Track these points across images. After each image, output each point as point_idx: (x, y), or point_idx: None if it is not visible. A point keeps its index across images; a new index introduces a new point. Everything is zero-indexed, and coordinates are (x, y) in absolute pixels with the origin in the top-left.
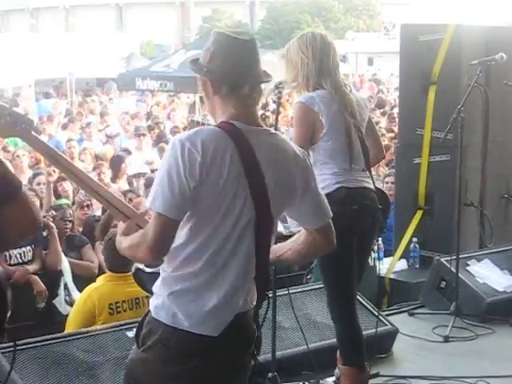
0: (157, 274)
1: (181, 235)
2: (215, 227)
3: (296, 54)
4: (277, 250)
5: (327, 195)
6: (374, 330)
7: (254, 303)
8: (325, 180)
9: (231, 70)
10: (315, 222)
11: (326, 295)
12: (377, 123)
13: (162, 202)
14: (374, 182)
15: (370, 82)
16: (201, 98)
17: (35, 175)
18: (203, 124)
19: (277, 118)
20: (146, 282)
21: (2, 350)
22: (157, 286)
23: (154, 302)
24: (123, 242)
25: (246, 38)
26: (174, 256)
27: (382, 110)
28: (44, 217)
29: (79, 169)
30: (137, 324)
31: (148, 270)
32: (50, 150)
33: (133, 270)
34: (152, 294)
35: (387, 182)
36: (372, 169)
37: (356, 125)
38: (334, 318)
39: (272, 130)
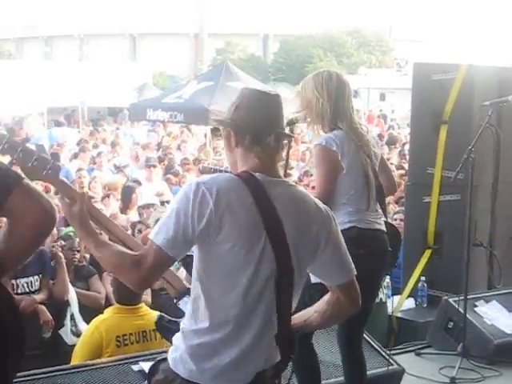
0: (178, 323)
1: (195, 287)
2: (231, 279)
3: (311, 93)
4: (303, 314)
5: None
6: (382, 369)
7: (276, 362)
8: (337, 217)
9: (255, 121)
10: (338, 277)
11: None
12: (387, 159)
13: (166, 238)
14: (386, 219)
15: (378, 119)
16: (212, 130)
17: None
18: (215, 170)
19: (288, 153)
20: (167, 330)
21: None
22: (176, 338)
23: (172, 354)
24: (103, 252)
25: (271, 92)
26: (193, 309)
27: (392, 147)
28: (52, 247)
29: (102, 213)
30: (143, 357)
31: (171, 318)
32: (76, 193)
33: (156, 317)
34: (171, 343)
35: (396, 219)
36: None
37: (372, 164)
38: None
39: (291, 181)
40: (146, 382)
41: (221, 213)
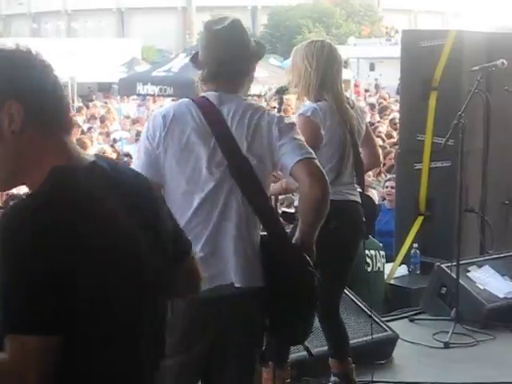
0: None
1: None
2: (186, 183)
3: (301, 61)
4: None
5: None
6: (375, 336)
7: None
8: None
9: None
10: (292, 158)
11: None
12: (376, 128)
13: (139, 166)
14: (363, 191)
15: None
16: None
17: None
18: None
19: None
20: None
21: None
22: None
23: None
24: None
25: (224, 24)
26: None
27: (383, 115)
28: None
29: None
30: None
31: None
32: None
33: None
34: None
35: (387, 187)
36: (373, 175)
37: (352, 139)
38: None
39: (243, 96)
40: None
41: (168, 124)
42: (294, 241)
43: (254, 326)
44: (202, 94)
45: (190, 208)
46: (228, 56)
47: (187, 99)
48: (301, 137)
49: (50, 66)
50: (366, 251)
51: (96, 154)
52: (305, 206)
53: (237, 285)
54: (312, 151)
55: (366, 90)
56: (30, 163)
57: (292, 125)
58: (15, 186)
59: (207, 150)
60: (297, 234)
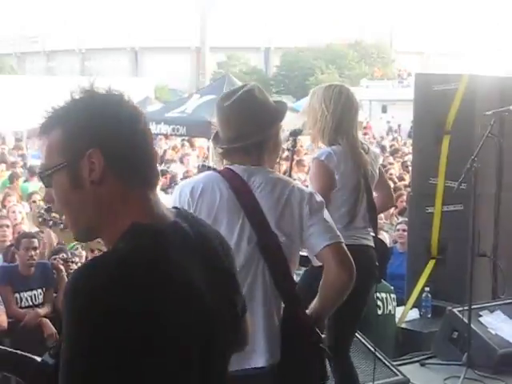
0: None
1: None
2: None
3: (318, 104)
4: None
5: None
6: (385, 381)
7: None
8: None
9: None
10: (323, 240)
11: None
12: (387, 170)
13: None
14: (376, 235)
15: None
16: None
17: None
18: (204, 166)
19: (291, 165)
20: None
21: None
22: None
23: None
24: None
25: (233, 98)
26: None
27: (395, 158)
28: (54, 259)
29: None
30: None
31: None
32: None
33: None
34: None
35: (399, 230)
36: (385, 218)
37: (366, 184)
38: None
39: (269, 168)
40: None
41: (196, 199)
42: (308, 312)
43: None
44: (227, 166)
45: None
46: (240, 132)
47: (213, 172)
48: (329, 217)
49: (140, 115)
50: (377, 294)
51: (176, 209)
52: (328, 289)
53: (262, 365)
54: (340, 234)
55: (380, 137)
56: (108, 216)
57: (322, 204)
58: (92, 240)
59: (236, 224)
60: (314, 308)
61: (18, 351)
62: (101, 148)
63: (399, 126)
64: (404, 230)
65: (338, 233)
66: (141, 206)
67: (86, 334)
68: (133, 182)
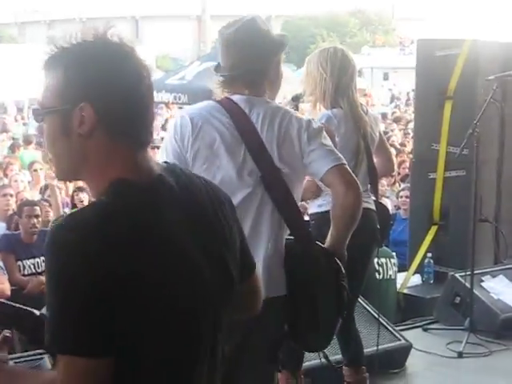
0: None
1: None
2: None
3: (315, 69)
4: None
5: (325, 212)
6: (387, 345)
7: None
8: (325, 197)
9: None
10: (324, 164)
11: None
12: (389, 137)
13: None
14: (377, 199)
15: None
16: None
17: (46, 186)
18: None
19: None
20: None
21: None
22: None
23: None
24: None
25: (235, 27)
26: None
27: (398, 125)
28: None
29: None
30: None
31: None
32: None
33: None
34: None
35: (401, 197)
36: (387, 185)
37: (366, 146)
38: None
39: (268, 99)
40: None
41: (197, 130)
42: (325, 246)
43: (270, 334)
44: (227, 96)
45: None
46: (241, 59)
47: (214, 102)
48: (329, 141)
49: (145, 73)
50: (377, 259)
51: (167, 164)
52: (339, 212)
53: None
54: (341, 156)
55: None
56: (93, 169)
57: (320, 129)
58: (71, 180)
59: (238, 158)
60: (329, 239)
61: (17, 304)
62: (94, 103)
63: (400, 93)
64: (407, 197)
65: (340, 155)
66: (127, 163)
67: (64, 285)
68: (122, 140)
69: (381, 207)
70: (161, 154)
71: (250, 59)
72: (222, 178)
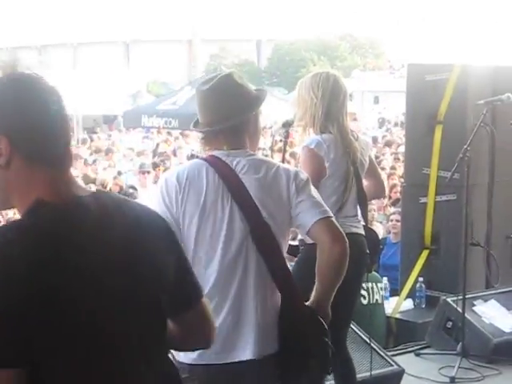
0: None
1: None
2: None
3: (307, 93)
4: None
5: None
6: (380, 371)
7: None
8: None
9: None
10: (312, 216)
11: None
12: (380, 162)
13: None
14: (367, 224)
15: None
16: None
17: None
18: (192, 156)
19: (283, 157)
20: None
21: None
22: None
23: None
24: None
25: (211, 83)
26: None
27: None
28: None
29: None
30: None
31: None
32: None
33: None
34: None
35: (392, 220)
36: (378, 209)
37: (356, 171)
38: None
39: (250, 151)
40: None
41: (183, 186)
42: (309, 303)
43: None
44: (211, 153)
45: (210, 275)
46: (218, 114)
47: (199, 160)
48: (317, 193)
49: (55, 95)
50: (362, 284)
51: (97, 190)
52: (324, 265)
53: (255, 357)
54: (329, 209)
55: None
56: (18, 194)
57: (308, 180)
58: (8, 209)
59: (225, 213)
60: (313, 296)
61: None
62: (8, 135)
63: (390, 119)
64: (397, 221)
65: (327, 208)
66: (45, 186)
67: None
68: (39, 165)
69: (370, 232)
70: None
71: (227, 115)
72: (211, 234)
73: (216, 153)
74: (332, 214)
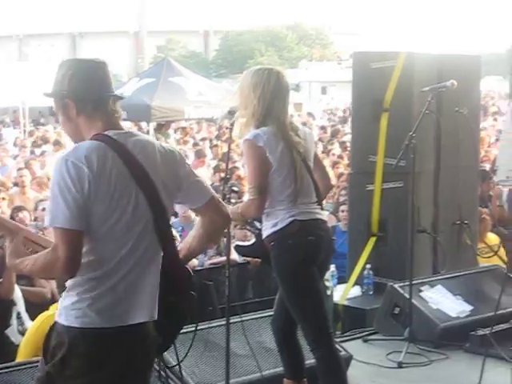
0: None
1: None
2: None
3: (247, 90)
4: (183, 245)
5: (282, 230)
6: None
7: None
8: (278, 215)
9: (93, 88)
10: (203, 197)
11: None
12: (329, 151)
13: (63, 218)
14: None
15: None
16: (155, 126)
17: None
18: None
19: (229, 147)
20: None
21: None
22: (64, 298)
23: (60, 316)
24: (29, 265)
25: (97, 59)
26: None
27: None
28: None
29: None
30: None
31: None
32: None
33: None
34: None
35: (343, 211)
36: (330, 197)
37: (304, 160)
38: (313, 349)
39: (133, 131)
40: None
41: (95, 175)
42: (182, 256)
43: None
44: (102, 132)
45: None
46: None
47: (96, 141)
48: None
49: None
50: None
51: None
52: (211, 236)
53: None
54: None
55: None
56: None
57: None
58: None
59: (131, 198)
60: (185, 248)
61: None
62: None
63: (336, 109)
64: (347, 211)
65: (209, 187)
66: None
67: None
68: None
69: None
70: (55, 208)
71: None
72: (119, 217)
73: (108, 132)
74: (213, 192)
